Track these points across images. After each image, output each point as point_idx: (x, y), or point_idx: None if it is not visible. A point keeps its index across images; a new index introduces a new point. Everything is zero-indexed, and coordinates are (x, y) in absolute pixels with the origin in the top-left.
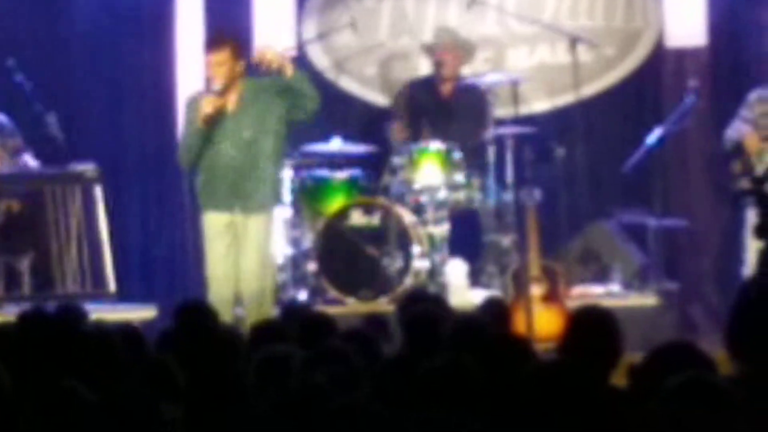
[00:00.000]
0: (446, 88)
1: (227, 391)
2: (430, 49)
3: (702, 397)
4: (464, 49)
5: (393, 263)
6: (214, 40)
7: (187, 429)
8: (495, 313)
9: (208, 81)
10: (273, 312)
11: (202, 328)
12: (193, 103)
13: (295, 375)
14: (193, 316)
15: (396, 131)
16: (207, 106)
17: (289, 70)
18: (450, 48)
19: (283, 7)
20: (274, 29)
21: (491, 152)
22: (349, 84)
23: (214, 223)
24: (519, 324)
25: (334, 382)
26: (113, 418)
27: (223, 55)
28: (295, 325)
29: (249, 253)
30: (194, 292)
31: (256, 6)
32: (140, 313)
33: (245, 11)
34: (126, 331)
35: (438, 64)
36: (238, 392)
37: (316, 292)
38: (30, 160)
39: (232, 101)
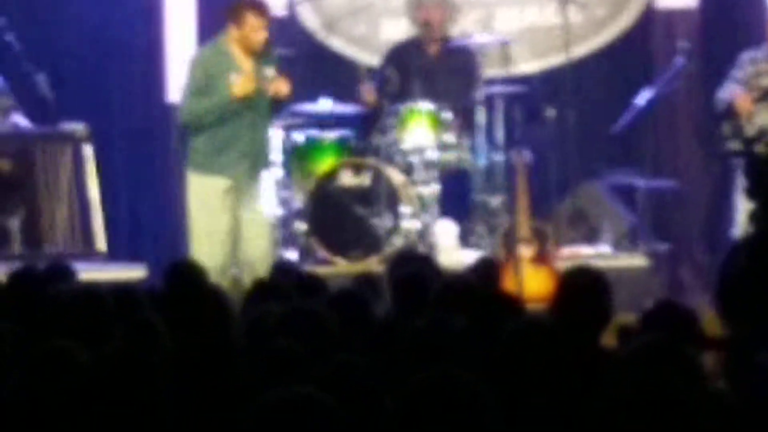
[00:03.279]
0: (433, 48)
1: (217, 353)
2: (417, 8)
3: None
4: (451, 8)
5: (382, 223)
6: (264, 5)
7: (174, 390)
8: (486, 273)
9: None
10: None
11: (193, 289)
12: (204, 62)
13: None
14: (184, 276)
15: (365, 93)
16: (245, 87)
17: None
18: (436, 6)
19: None
20: None
21: (481, 113)
22: (338, 44)
23: (214, 185)
24: (509, 285)
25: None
26: (104, 378)
27: (267, 20)
28: (286, 285)
29: (256, 214)
30: (183, 251)
31: None
32: (130, 272)
33: None
34: (120, 291)
35: (425, 24)
36: (227, 353)
37: (306, 253)
38: (21, 120)
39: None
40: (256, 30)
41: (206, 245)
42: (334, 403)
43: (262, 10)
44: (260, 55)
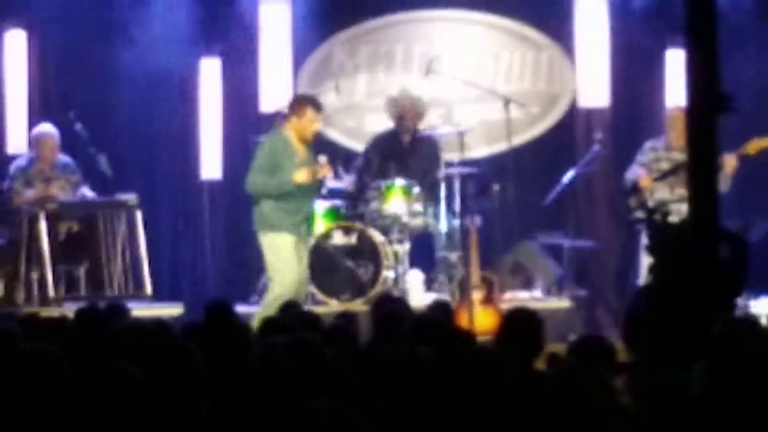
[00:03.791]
0: (407, 138)
1: (238, 373)
2: (393, 108)
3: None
4: (419, 106)
5: (366, 273)
6: (320, 102)
7: (208, 404)
8: (441, 311)
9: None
10: None
11: (226, 321)
12: (270, 147)
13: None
14: (220, 312)
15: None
16: (305, 178)
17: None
18: (410, 107)
19: (283, 74)
20: (275, 92)
21: (443, 188)
22: (333, 134)
23: (288, 241)
24: (463, 321)
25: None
26: (155, 392)
27: (321, 115)
28: (291, 320)
29: (304, 263)
30: (213, 293)
31: (261, 73)
32: (170, 310)
33: (254, 77)
34: (159, 324)
35: (399, 119)
36: (245, 373)
37: (306, 295)
38: (87, 192)
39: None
40: (312, 122)
41: (291, 287)
42: (358, 415)
43: (318, 105)
44: (310, 143)
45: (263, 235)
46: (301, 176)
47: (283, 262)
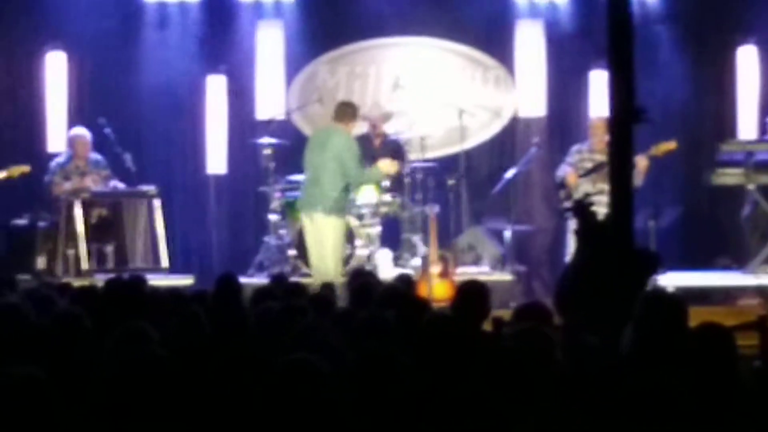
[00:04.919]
0: (377, 141)
1: (239, 333)
2: (367, 117)
3: (535, 340)
4: (387, 117)
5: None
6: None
7: (210, 360)
8: (404, 282)
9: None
10: None
11: (232, 290)
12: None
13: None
14: (229, 283)
15: None
16: (391, 169)
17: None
18: (379, 117)
19: (276, 87)
20: (270, 102)
21: (407, 181)
22: None
23: (346, 224)
24: (423, 291)
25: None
26: (175, 349)
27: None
28: (280, 289)
29: None
30: (218, 267)
31: (257, 86)
32: (183, 281)
33: (251, 90)
34: (172, 292)
35: (372, 126)
36: (245, 333)
37: (294, 269)
38: (118, 184)
39: None
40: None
41: (335, 264)
42: (326, 366)
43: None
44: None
45: (330, 218)
46: (391, 167)
47: (342, 243)
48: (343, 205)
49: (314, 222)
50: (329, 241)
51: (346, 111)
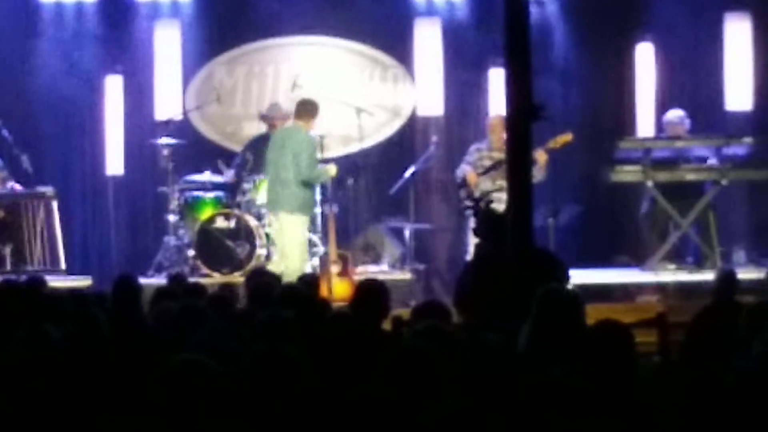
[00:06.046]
0: None
1: (136, 333)
2: (265, 117)
3: (435, 338)
4: (286, 117)
5: (243, 251)
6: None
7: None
8: (304, 282)
9: None
10: None
11: (130, 290)
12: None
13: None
14: (126, 284)
15: (226, 174)
16: (334, 171)
17: None
18: (278, 116)
19: (173, 87)
20: (168, 102)
21: None
22: (215, 137)
23: (307, 222)
24: (323, 290)
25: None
26: (75, 350)
27: None
28: (179, 289)
29: None
30: (116, 268)
31: (156, 88)
32: (81, 282)
33: (149, 91)
34: (72, 293)
35: (271, 126)
36: (142, 334)
37: (193, 269)
38: (15, 186)
39: None
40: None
41: (300, 261)
42: (215, 366)
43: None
44: None
45: (292, 217)
46: (335, 171)
47: (303, 241)
48: (307, 203)
49: (279, 220)
50: (294, 238)
51: (306, 109)
